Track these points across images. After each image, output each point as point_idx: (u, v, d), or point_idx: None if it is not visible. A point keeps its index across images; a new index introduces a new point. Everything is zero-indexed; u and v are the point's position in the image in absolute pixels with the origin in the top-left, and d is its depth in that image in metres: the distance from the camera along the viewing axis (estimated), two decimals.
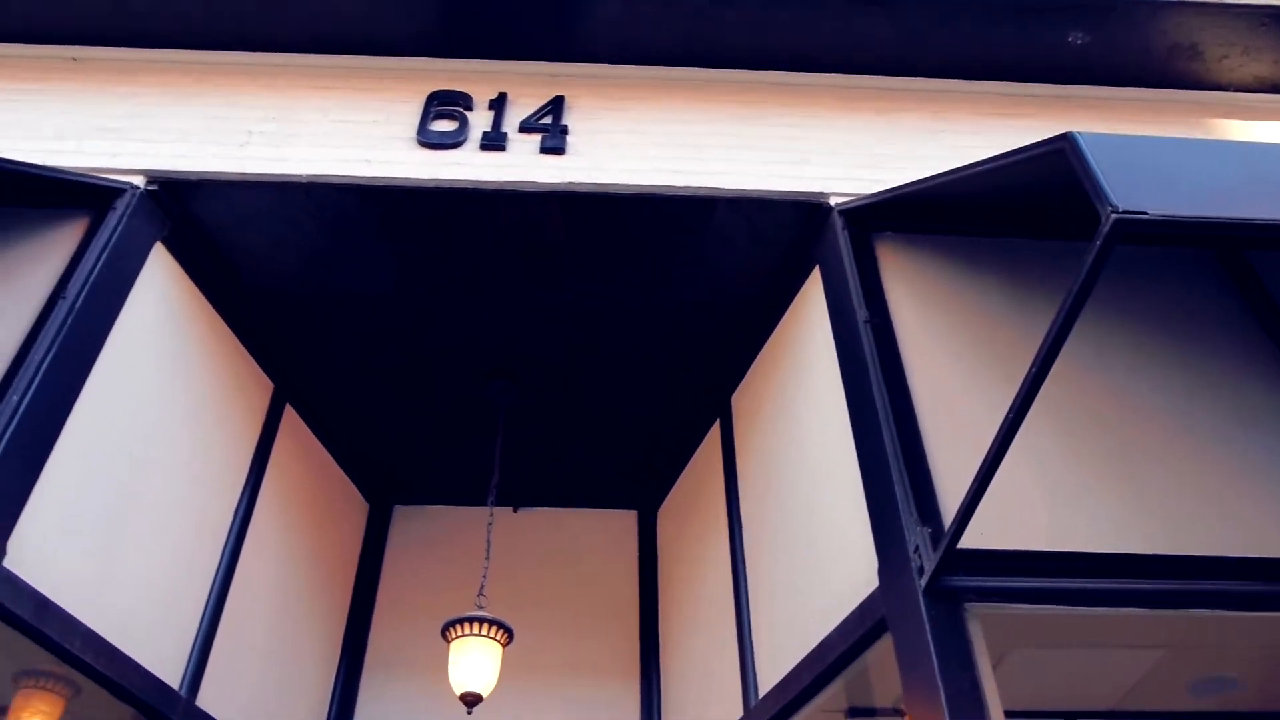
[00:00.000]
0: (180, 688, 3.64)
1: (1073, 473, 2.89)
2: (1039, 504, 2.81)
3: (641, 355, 4.69)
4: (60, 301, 3.14)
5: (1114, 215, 1.73)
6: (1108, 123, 4.16)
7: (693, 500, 5.28)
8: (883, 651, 2.84)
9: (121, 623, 3.24)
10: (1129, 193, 1.78)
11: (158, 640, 3.52)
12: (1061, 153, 2.05)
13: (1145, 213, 1.74)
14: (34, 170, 3.48)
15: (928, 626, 2.46)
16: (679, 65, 4.25)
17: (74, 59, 4.09)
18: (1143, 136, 2.26)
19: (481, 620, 4.23)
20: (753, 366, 4.46)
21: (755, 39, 4.15)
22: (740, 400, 4.65)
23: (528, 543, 5.86)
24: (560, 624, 5.54)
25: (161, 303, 3.68)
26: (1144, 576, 2.65)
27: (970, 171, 2.92)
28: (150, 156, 3.72)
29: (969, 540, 2.43)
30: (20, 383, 2.89)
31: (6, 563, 2.68)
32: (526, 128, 3.95)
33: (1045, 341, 1.93)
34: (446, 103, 4.03)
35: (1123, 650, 3.35)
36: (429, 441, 5.49)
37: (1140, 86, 4.29)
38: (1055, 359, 1.94)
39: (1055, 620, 2.73)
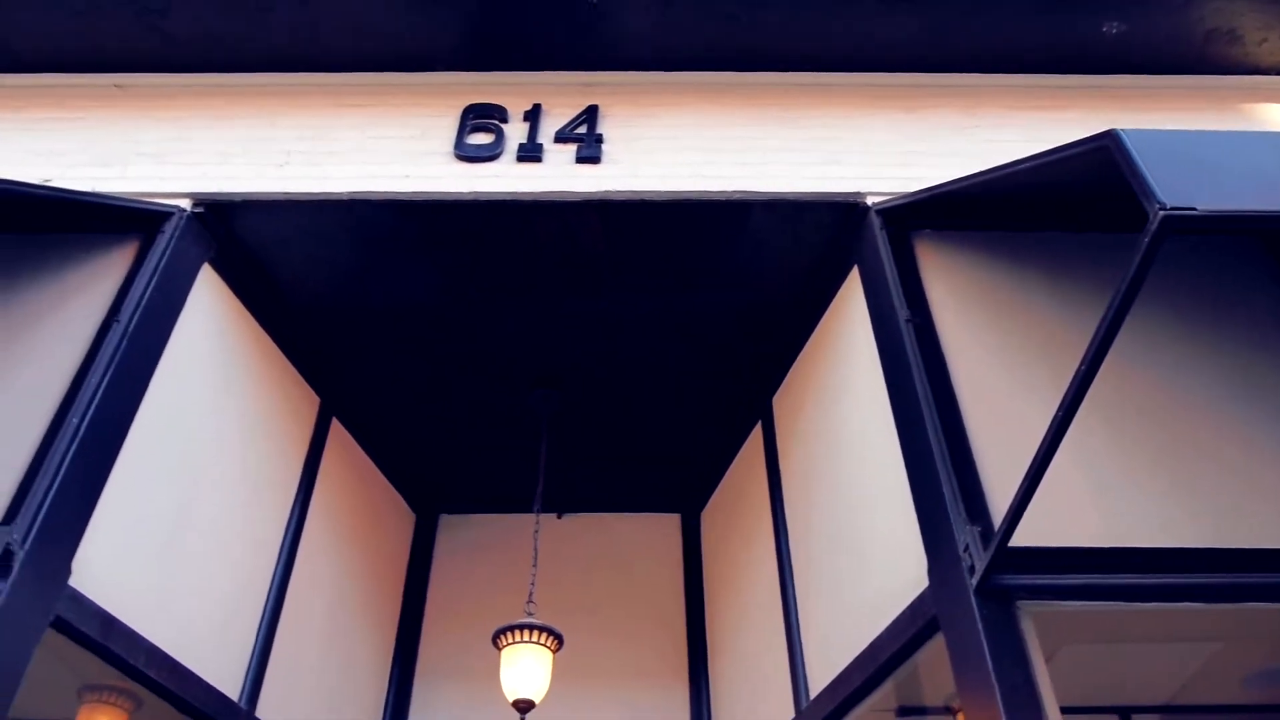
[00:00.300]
0: (240, 699, 3.71)
1: (1121, 468, 2.87)
2: (1088, 500, 2.79)
3: (681, 359, 4.71)
4: (114, 325, 3.20)
5: (1162, 212, 1.72)
6: (1145, 112, 4.11)
7: (736, 502, 5.29)
8: (933, 650, 2.84)
9: (182, 637, 3.31)
10: (1176, 188, 1.77)
11: (217, 653, 3.59)
12: (1105, 149, 2.04)
13: (1194, 208, 1.73)
14: (84, 197, 3.55)
15: (980, 625, 2.45)
16: (710, 70, 4.25)
17: (117, 86, 4.17)
18: (1187, 130, 2.24)
19: (532, 627, 4.24)
20: (793, 368, 4.46)
21: (784, 41, 4.14)
22: (781, 402, 4.65)
23: (573, 548, 5.89)
24: (608, 628, 5.57)
25: (211, 323, 3.75)
26: (1196, 571, 2.62)
27: (1011, 170, 2.90)
28: (195, 179, 3.78)
29: (1019, 538, 2.42)
30: (79, 406, 2.95)
31: (72, 582, 2.74)
32: (562, 138, 3.98)
33: (1094, 339, 1.91)
34: (482, 116, 4.07)
35: (1177, 644, 3.33)
36: (473, 451, 5.54)
37: (1177, 74, 4.22)
38: (1105, 356, 1.93)
39: (1108, 616, 2.71)
